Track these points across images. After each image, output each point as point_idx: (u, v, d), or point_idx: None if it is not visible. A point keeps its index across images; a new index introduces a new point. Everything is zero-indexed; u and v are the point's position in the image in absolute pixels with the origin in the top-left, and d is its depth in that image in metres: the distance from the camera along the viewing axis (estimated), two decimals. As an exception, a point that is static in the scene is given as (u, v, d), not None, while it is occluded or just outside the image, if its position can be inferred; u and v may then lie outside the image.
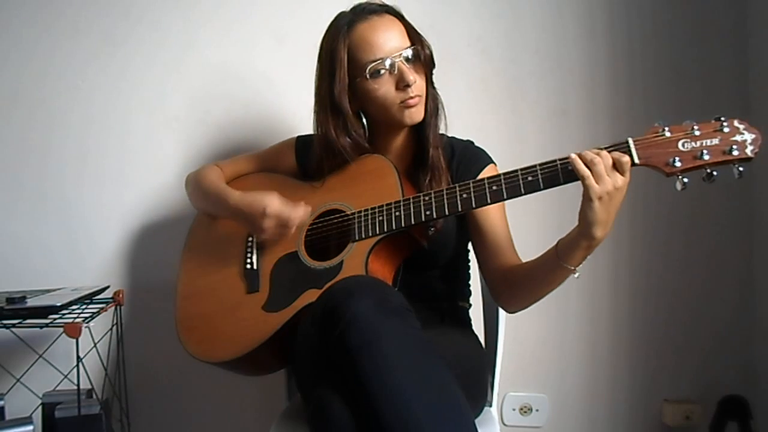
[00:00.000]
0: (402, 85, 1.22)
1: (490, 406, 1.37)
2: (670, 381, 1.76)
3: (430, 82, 1.28)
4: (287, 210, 1.24)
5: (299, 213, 1.24)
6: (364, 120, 1.33)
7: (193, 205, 1.47)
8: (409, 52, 1.23)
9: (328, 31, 1.28)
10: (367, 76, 1.22)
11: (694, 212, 1.72)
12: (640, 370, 1.77)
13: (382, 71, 1.22)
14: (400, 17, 1.26)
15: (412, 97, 1.22)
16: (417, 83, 1.23)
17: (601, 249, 1.09)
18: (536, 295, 1.21)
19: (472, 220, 1.29)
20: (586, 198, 1.02)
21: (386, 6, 1.27)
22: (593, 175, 1.01)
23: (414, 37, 1.25)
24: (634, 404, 1.78)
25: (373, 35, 1.22)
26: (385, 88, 1.23)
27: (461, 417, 0.96)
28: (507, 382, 1.72)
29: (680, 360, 1.76)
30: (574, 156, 1.03)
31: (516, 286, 1.23)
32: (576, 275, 1.10)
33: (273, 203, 1.24)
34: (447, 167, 1.30)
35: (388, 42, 1.22)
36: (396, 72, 1.22)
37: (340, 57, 1.23)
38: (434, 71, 1.30)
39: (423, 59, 1.25)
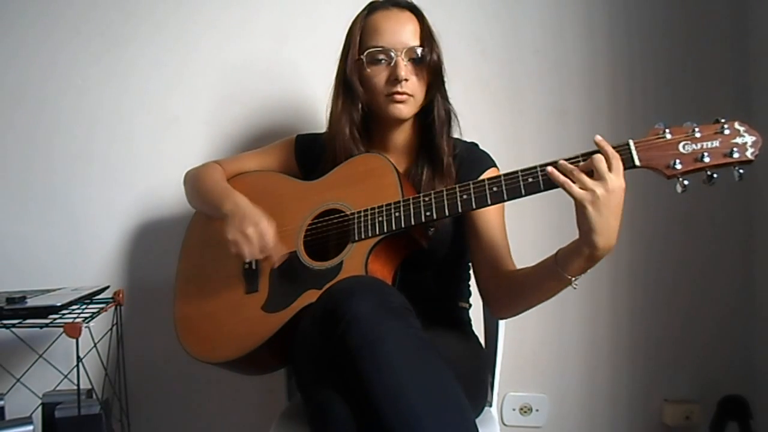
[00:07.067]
0: (392, 78, 1.24)
1: (490, 406, 1.37)
2: (670, 381, 1.76)
3: (438, 90, 1.29)
4: (272, 240, 1.21)
5: (277, 251, 1.22)
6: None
7: (188, 201, 1.46)
8: (413, 51, 1.25)
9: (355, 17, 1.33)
10: (365, 59, 1.25)
11: (694, 213, 1.72)
12: (640, 370, 1.77)
13: (380, 60, 1.25)
14: (419, 18, 1.28)
15: (399, 93, 1.24)
16: (410, 82, 1.24)
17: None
18: (527, 303, 1.20)
19: (469, 222, 1.29)
20: (576, 205, 1.02)
21: (411, 4, 1.30)
22: (575, 182, 1.01)
23: (425, 39, 1.26)
24: (634, 404, 1.78)
25: (384, 24, 1.26)
26: (378, 77, 1.25)
27: (462, 417, 0.96)
28: (507, 382, 1.71)
29: (680, 360, 1.76)
30: (550, 168, 1.04)
31: (508, 292, 1.22)
32: (574, 287, 1.08)
33: (269, 225, 1.22)
34: None
35: (395, 34, 1.24)
36: (392, 65, 1.24)
37: (354, 37, 1.28)
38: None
39: (427, 63, 1.26)
